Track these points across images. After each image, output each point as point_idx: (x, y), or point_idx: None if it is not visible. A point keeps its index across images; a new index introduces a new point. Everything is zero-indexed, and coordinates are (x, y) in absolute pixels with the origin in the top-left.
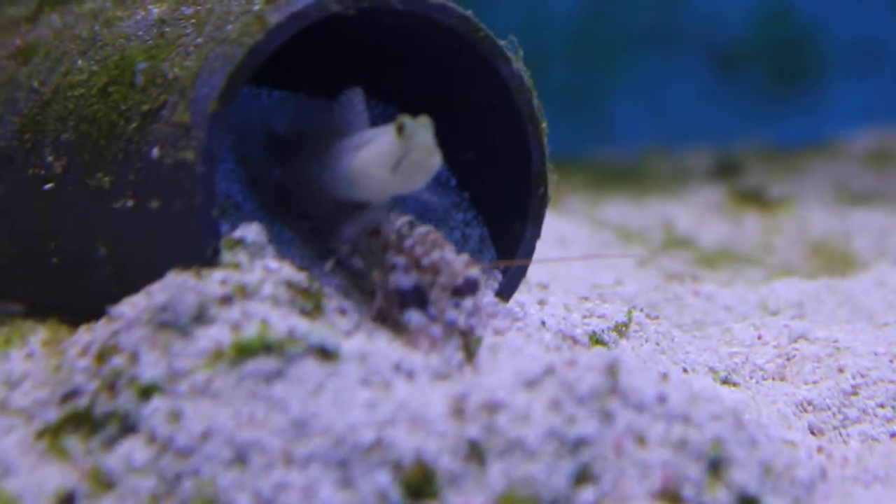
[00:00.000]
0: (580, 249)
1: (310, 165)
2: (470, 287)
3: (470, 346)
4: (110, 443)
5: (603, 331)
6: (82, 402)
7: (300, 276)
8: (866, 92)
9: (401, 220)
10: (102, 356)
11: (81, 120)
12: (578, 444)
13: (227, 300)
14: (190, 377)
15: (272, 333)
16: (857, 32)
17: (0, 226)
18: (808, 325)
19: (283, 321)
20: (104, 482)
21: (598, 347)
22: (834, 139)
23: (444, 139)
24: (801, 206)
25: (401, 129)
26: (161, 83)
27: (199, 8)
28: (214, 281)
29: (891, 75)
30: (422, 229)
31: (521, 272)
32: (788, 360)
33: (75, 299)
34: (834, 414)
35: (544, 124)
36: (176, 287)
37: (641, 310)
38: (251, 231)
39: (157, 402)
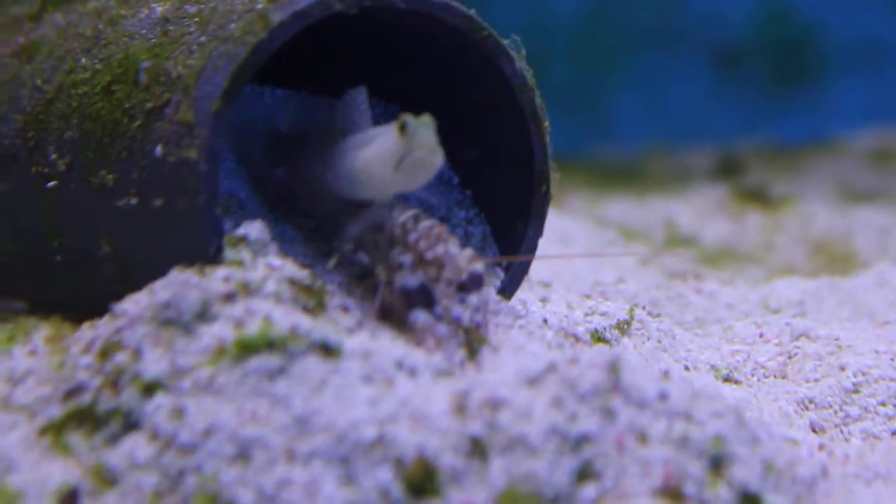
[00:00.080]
0: (582, 248)
1: (312, 164)
2: (475, 282)
3: (473, 343)
4: (113, 439)
5: (605, 328)
6: (85, 398)
7: (303, 274)
8: (867, 91)
9: (405, 215)
10: (106, 353)
11: (85, 118)
12: (580, 441)
13: (230, 297)
14: (193, 374)
15: (275, 330)
16: (858, 31)
17: (3, 224)
18: (810, 323)
19: (286, 318)
20: (107, 479)
21: (600, 345)
22: (835, 138)
23: (447, 138)
24: (802, 204)
25: (403, 128)
26: (164, 81)
27: (203, 6)
28: (218, 278)
29: (892, 74)
30: (426, 223)
31: (523, 270)
32: (790, 358)
33: (78, 297)
34: (835, 412)
35: (547, 123)
36: (179, 284)
37: (643, 308)
38: (254, 229)
39: (161, 399)
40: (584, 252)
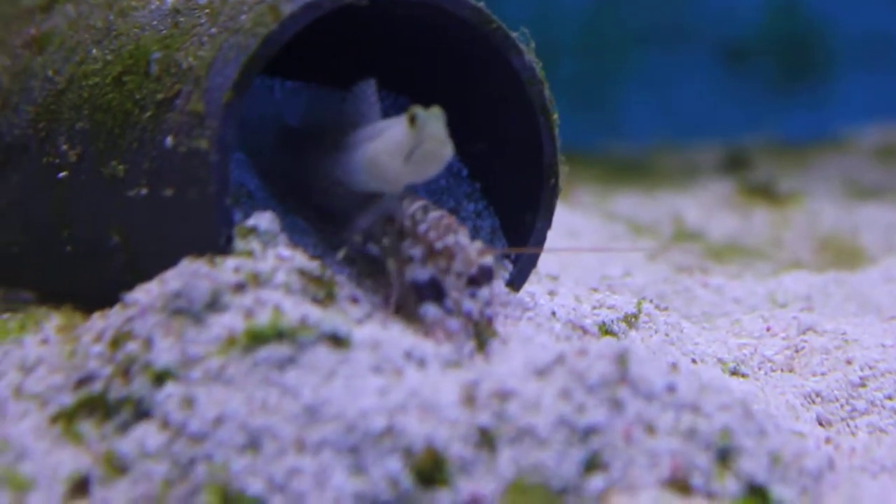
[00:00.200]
0: (590, 241)
1: (322, 156)
2: (485, 275)
3: (482, 335)
4: (124, 428)
5: (613, 321)
6: (96, 387)
7: (313, 265)
8: (875, 87)
9: (414, 205)
10: (117, 342)
11: (96, 109)
12: (588, 432)
13: (240, 288)
14: (203, 363)
15: (285, 321)
16: (865, 27)
17: (14, 214)
18: (817, 317)
19: (296, 309)
20: (118, 467)
21: (608, 338)
22: (842, 134)
23: (456, 130)
24: (809, 200)
25: (413, 120)
26: (175, 73)
27: None
28: (228, 268)
29: None
30: (435, 213)
31: (531, 262)
32: (797, 351)
33: (89, 287)
34: (842, 405)
35: (556, 116)
36: (190, 274)
37: (651, 301)
38: (264, 219)
39: (171, 388)
40: (592, 246)
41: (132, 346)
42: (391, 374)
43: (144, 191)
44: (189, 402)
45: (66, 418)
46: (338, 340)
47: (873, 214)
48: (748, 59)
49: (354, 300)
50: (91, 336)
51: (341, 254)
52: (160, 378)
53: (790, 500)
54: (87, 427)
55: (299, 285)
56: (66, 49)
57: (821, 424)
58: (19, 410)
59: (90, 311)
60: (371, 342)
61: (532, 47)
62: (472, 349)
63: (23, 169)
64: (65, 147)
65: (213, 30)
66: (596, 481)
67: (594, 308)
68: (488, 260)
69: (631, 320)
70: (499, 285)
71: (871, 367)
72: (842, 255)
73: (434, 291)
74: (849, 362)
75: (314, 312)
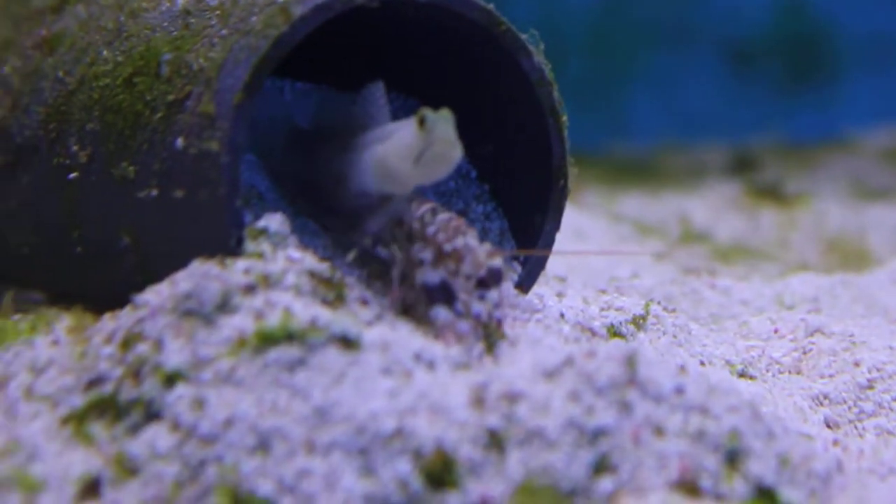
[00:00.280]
0: (597, 243)
1: (332, 158)
2: (494, 278)
3: (491, 337)
4: (135, 429)
5: (621, 323)
6: (107, 388)
7: (322, 267)
8: (882, 88)
9: (423, 208)
10: (127, 343)
11: (106, 110)
12: (597, 434)
13: (250, 289)
14: (214, 365)
15: (295, 322)
16: (872, 28)
17: (25, 215)
18: (824, 319)
19: (306, 310)
20: (128, 468)
21: (617, 339)
22: (849, 135)
23: (465, 131)
24: (816, 202)
25: (422, 122)
26: (186, 74)
27: None
28: (238, 270)
29: None
30: (444, 216)
31: (540, 264)
32: (805, 353)
33: (99, 288)
34: (850, 407)
35: (565, 117)
36: (200, 276)
37: (658, 303)
38: (274, 221)
39: (182, 390)
40: (600, 249)
41: (143, 348)
42: (401, 376)
43: (155, 192)
44: (199, 404)
45: (77, 419)
46: (348, 342)
47: (880, 216)
48: (755, 60)
49: (364, 302)
50: (102, 337)
51: (351, 256)
52: (171, 379)
53: (798, 503)
54: (98, 428)
55: (309, 287)
56: (77, 50)
57: (829, 426)
58: (30, 412)
59: (101, 312)
60: (381, 344)
61: (541, 49)
62: (481, 351)
63: (33, 170)
64: (75, 148)
65: (224, 31)
66: (605, 483)
67: (602, 310)
68: (497, 262)
69: (639, 322)
70: (508, 287)
71: (878, 370)
72: (849, 256)
73: (445, 294)
74: (856, 364)
75: (324, 314)
